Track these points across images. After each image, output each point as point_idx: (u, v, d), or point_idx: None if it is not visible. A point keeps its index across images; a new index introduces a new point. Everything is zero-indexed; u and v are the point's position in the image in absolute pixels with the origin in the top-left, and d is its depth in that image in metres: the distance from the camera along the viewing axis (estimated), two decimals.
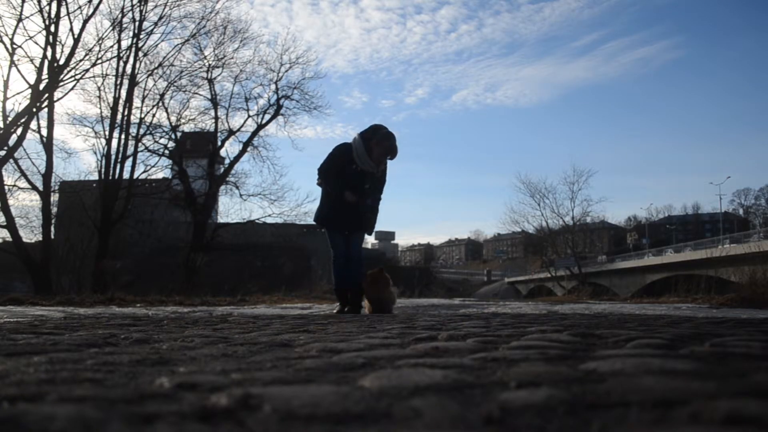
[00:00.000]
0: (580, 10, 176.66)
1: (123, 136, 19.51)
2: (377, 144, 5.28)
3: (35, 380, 0.91)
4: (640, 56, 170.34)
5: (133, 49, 19.14)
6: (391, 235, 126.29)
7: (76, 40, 16.89)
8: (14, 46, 15.70)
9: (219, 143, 23.21)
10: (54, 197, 20.33)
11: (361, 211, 5.49)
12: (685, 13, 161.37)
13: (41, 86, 16.03)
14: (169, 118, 21.90)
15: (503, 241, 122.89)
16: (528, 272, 79.34)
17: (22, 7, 15.69)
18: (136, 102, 20.08)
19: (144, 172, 21.07)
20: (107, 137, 18.96)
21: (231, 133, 23.21)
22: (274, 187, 23.29)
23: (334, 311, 5.67)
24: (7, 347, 1.42)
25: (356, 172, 5.35)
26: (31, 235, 20.66)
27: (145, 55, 19.85)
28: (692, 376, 0.95)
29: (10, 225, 15.81)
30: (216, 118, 22.86)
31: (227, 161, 23.62)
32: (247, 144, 22.92)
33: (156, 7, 19.34)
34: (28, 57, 16.19)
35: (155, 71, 20.53)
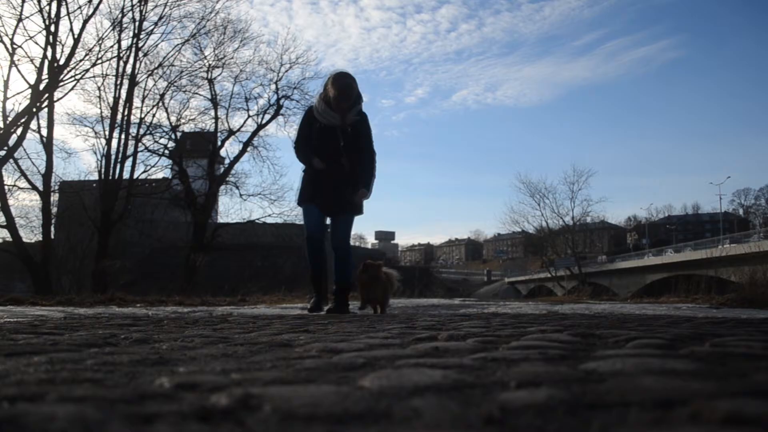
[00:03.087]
0: (581, 9, 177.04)
1: (123, 136, 19.56)
2: (331, 88, 4.62)
3: (35, 380, 0.91)
4: (641, 56, 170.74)
5: (133, 49, 19.19)
6: (391, 235, 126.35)
7: (76, 40, 16.92)
8: (14, 46, 15.74)
9: (219, 143, 23.24)
10: (54, 197, 20.36)
11: (342, 182, 4.71)
12: (685, 12, 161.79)
13: (41, 86, 16.05)
14: (169, 118, 21.93)
15: (503, 241, 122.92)
16: (528, 272, 79.38)
17: (22, 7, 15.73)
18: (136, 102, 20.12)
19: (144, 172, 21.12)
20: (107, 137, 19.00)
21: (231, 133, 23.22)
22: (274, 187, 23.35)
23: (308, 307, 4.92)
24: (7, 347, 1.42)
25: (322, 129, 4.71)
26: (31, 235, 20.69)
27: (145, 55, 19.89)
28: (692, 376, 0.95)
29: (10, 225, 15.82)
30: (216, 118, 22.88)
31: (227, 161, 23.65)
32: (247, 144, 22.94)
33: (156, 7, 19.39)
34: (28, 57, 16.24)
35: (155, 71, 20.56)
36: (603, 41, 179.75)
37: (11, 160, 15.91)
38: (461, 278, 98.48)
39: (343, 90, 4.61)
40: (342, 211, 4.84)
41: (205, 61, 22.05)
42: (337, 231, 4.89)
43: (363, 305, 4.79)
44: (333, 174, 4.72)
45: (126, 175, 19.77)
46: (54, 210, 20.45)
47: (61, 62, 16.47)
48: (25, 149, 16.53)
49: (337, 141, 4.72)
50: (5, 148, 15.46)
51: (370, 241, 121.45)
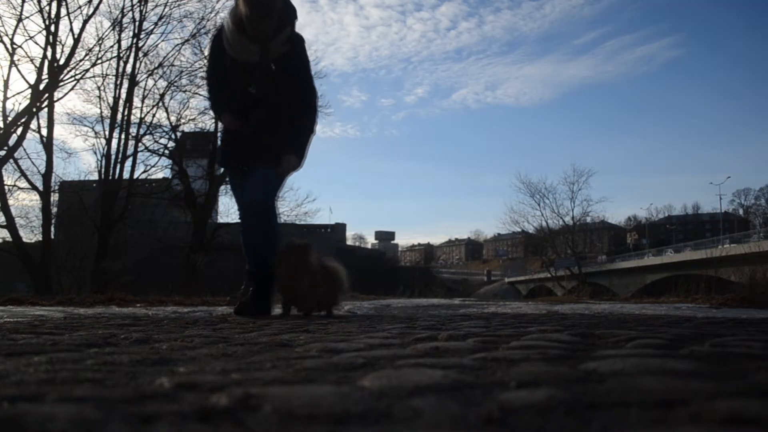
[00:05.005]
0: (581, 7, 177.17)
1: (123, 136, 19.59)
2: (243, 5, 3.14)
3: (35, 380, 0.91)
4: (642, 54, 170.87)
5: (133, 49, 19.21)
6: (391, 235, 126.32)
7: (76, 40, 16.94)
8: (14, 46, 15.75)
9: (219, 143, 23.17)
10: (54, 197, 20.40)
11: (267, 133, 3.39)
12: (686, 11, 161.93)
13: (41, 86, 16.07)
14: (169, 118, 21.90)
15: (503, 241, 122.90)
16: (528, 272, 79.45)
17: (22, 7, 15.75)
18: (136, 102, 20.13)
19: (144, 172, 21.12)
20: (107, 137, 19.04)
21: None
22: None
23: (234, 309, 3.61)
24: (7, 347, 1.42)
25: (234, 68, 3.34)
26: (31, 235, 20.70)
27: (145, 55, 19.89)
28: (692, 376, 0.95)
29: (10, 225, 15.84)
30: (216, 117, 22.82)
31: None
32: None
33: (156, 7, 19.41)
34: (28, 57, 16.27)
35: (155, 71, 20.54)
36: (604, 40, 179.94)
37: (11, 160, 15.93)
38: (461, 278, 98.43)
39: (255, 7, 3.08)
40: (259, 162, 3.40)
41: (205, 60, 22.04)
42: (251, 185, 3.43)
43: (285, 306, 3.39)
44: (250, 129, 3.45)
45: (126, 175, 19.81)
46: (54, 210, 20.48)
47: (61, 62, 16.50)
48: (25, 149, 16.59)
49: (255, 87, 3.35)
50: (5, 148, 15.48)
51: (370, 241, 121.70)
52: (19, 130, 15.86)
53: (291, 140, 3.44)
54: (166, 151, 22.19)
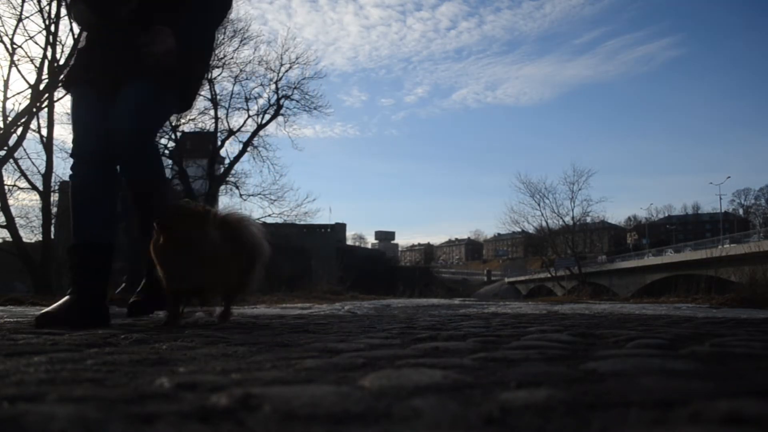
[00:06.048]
0: (581, 6, 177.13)
1: None
2: None
3: (35, 380, 0.92)
4: (642, 54, 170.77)
5: None
6: (391, 235, 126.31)
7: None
8: (14, 46, 15.73)
9: (219, 143, 23.24)
10: (54, 197, 20.35)
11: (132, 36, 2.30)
12: (686, 11, 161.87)
13: (41, 86, 16.06)
14: (168, 118, 21.92)
15: (503, 241, 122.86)
16: (528, 272, 79.40)
17: (22, 7, 15.71)
18: None
19: None
20: None
21: (231, 133, 23.24)
22: (274, 187, 23.41)
23: (50, 310, 2.38)
24: (7, 347, 1.42)
25: None
26: (31, 235, 20.69)
27: None
28: (692, 376, 0.95)
29: (10, 225, 15.83)
30: (216, 118, 22.86)
31: (227, 161, 23.68)
32: (247, 144, 22.97)
33: None
34: (28, 57, 16.22)
35: None
36: (604, 39, 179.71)
37: (11, 160, 15.93)
38: (461, 278, 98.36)
39: None
40: (127, 75, 2.36)
41: None
42: (121, 105, 2.36)
43: (172, 307, 2.33)
44: (119, 31, 2.37)
45: None
46: (54, 210, 20.46)
47: (61, 62, 16.47)
48: (25, 149, 16.56)
49: None
50: (5, 148, 15.48)
51: (370, 241, 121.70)
52: (19, 130, 15.85)
53: (183, 23, 2.34)
54: (166, 151, 22.21)
